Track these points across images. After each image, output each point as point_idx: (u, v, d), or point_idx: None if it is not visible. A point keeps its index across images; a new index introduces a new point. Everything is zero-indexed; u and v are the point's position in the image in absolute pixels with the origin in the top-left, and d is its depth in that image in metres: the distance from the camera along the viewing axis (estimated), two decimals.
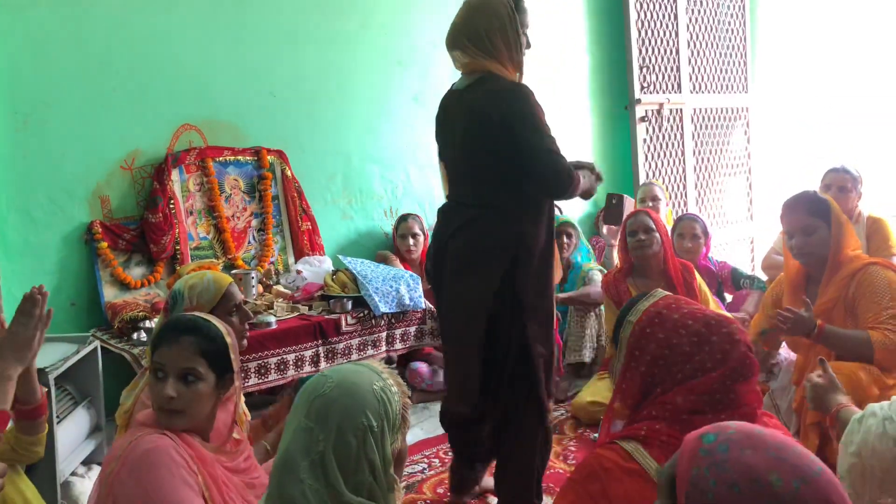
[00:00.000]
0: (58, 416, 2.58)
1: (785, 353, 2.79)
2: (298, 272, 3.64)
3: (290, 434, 1.26)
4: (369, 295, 3.40)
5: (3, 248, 3.14)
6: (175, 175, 3.54)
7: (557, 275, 2.49)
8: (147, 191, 3.49)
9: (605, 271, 3.77)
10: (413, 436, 3.25)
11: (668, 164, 5.20)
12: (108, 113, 3.37)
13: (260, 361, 3.07)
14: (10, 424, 1.71)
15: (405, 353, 3.67)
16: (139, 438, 1.58)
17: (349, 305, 3.39)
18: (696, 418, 1.30)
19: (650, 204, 4.15)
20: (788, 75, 5.77)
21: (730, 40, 5.52)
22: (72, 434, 2.70)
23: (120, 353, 3.01)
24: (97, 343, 2.91)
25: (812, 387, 1.88)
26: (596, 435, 3.11)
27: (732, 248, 5.46)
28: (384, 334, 3.49)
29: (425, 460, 3.04)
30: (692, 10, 5.29)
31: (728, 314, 3.05)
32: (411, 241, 3.97)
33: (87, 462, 2.84)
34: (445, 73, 2.85)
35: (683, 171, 5.28)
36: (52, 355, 2.59)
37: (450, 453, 3.08)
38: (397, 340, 3.55)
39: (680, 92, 5.20)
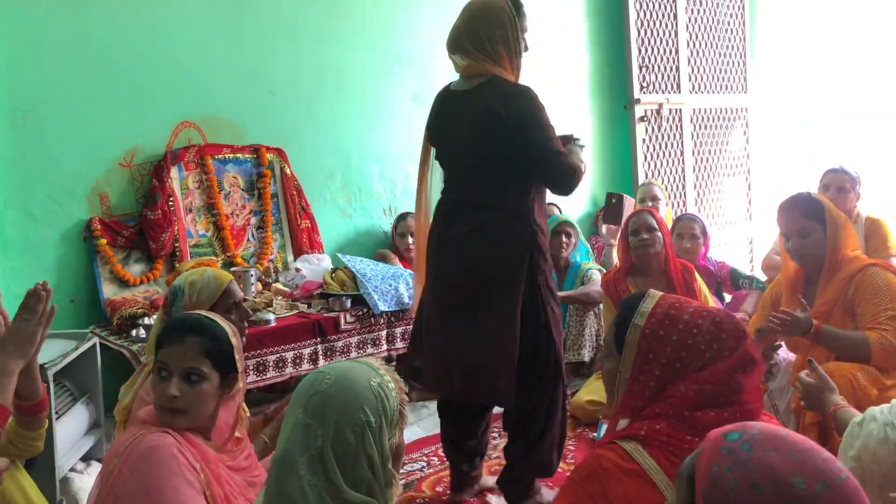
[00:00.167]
0: (57, 413, 2.58)
1: (784, 353, 2.79)
2: (297, 270, 3.64)
3: (289, 430, 1.26)
4: (368, 293, 3.40)
5: (2, 245, 3.14)
6: (174, 172, 3.54)
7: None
8: (146, 188, 3.48)
9: (605, 271, 3.77)
10: (412, 433, 3.25)
11: (668, 164, 5.21)
12: (108, 110, 3.37)
13: (259, 359, 3.07)
14: (10, 420, 1.71)
15: (405, 353, 3.67)
16: (142, 436, 1.58)
17: (348, 304, 3.39)
18: (698, 414, 1.30)
19: (650, 204, 4.15)
20: (788, 76, 5.77)
21: (729, 40, 5.52)
22: (71, 430, 2.70)
23: (119, 350, 3.01)
24: (96, 340, 2.91)
25: (804, 386, 1.88)
26: (594, 434, 3.12)
27: (731, 248, 5.46)
28: (384, 333, 3.49)
29: (424, 458, 3.05)
30: (691, 10, 5.29)
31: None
32: (410, 240, 3.97)
33: (85, 458, 2.84)
34: (445, 72, 2.85)
35: (682, 171, 5.28)
36: (51, 352, 2.59)
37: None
38: (397, 339, 3.54)
39: (679, 92, 5.20)
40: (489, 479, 2.75)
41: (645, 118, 5.02)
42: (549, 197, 2.68)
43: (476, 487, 2.70)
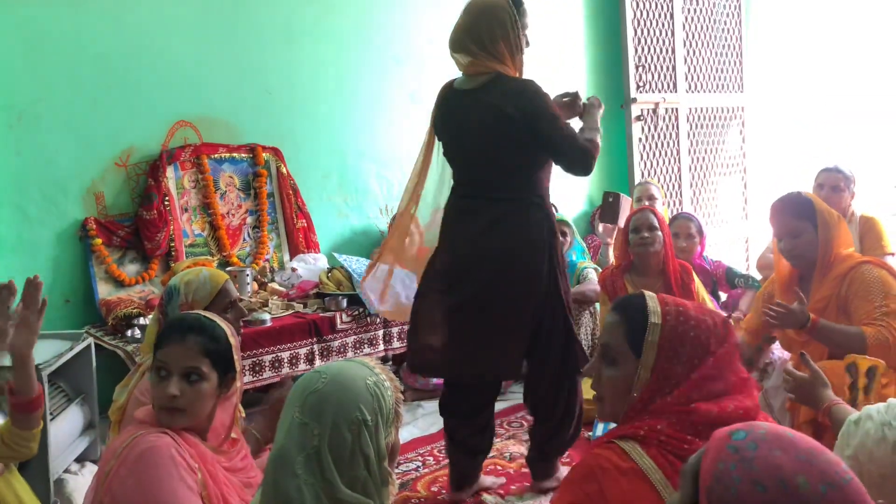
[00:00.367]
0: (51, 413, 2.58)
1: (779, 352, 2.79)
2: (293, 270, 3.64)
3: (285, 429, 1.26)
4: (364, 293, 3.39)
5: None
6: (170, 172, 3.53)
7: None
8: (142, 188, 3.47)
9: (601, 270, 3.77)
10: (408, 433, 3.25)
11: (664, 163, 5.21)
12: (103, 109, 3.36)
13: (254, 359, 3.07)
14: (3, 419, 1.70)
15: (401, 353, 3.67)
16: (140, 437, 1.57)
17: (344, 303, 3.39)
18: (702, 408, 1.30)
19: (647, 203, 4.14)
20: (784, 75, 5.78)
21: (725, 40, 5.53)
22: (65, 431, 2.69)
23: (113, 350, 3.00)
24: (91, 340, 2.91)
25: (795, 379, 1.87)
26: (590, 434, 3.12)
27: (727, 247, 5.47)
28: (380, 332, 3.49)
29: (419, 458, 3.04)
30: (688, 10, 5.29)
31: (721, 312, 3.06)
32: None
33: (80, 459, 2.83)
34: (442, 72, 2.85)
35: (679, 170, 5.29)
36: (45, 352, 2.58)
37: (444, 451, 3.09)
38: (394, 339, 3.54)
39: (676, 91, 5.21)
40: (487, 479, 2.76)
41: (641, 117, 5.02)
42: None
43: (475, 486, 2.70)
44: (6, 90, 3.13)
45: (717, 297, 3.81)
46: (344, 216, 4.18)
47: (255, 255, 3.77)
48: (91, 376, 2.86)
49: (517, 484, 2.80)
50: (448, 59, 2.57)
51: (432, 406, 3.56)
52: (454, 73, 2.62)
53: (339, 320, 3.33)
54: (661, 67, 5.14)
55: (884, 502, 1.33)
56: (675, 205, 5.21)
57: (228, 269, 3.49)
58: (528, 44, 2.54)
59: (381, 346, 3.50)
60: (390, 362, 3.65)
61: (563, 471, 2.71)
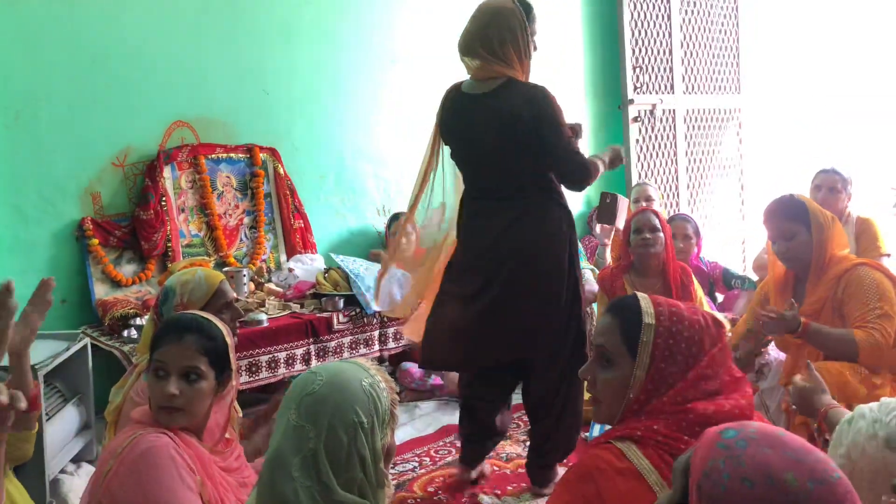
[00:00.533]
0: (47, 414, 2.57)
1: (774, 353, 2.80)
2: (290, 270, 3.64)
3: (281, 432, 1.26)
4: (361, 293, 3.39)
5: None
6: (167, 172, 3.53)
7: None
8: (139, 188, 3.47)
9: (598, 271, 3.77)
10: (404, 434, 3.25)
11: (661, 164, 5.22)
12: (100, 109, 3.36)
13: (251, 360, 3.07)
14: None
15: (397, 353, 3.67)
16: (139, 437, 1.57)
17: (341, 304, 3.39)
18: (699, 406, 1.31)
19: (644, 204, 4.15)
20: (781, 76, 5.79)
21: (722, 41, 5.54)
22: (61, 431, 2.68)
23: (110, 351, 3.00)
24: (87, 340, 2.90)
25: (796, 391, 1.88)
26: (587, 434, 3.12)
27: (724, 248, 5.47)
28: (376, 333, 3.49)
29: (416, 459, 3.04)
30: (685, 11, 5.30)
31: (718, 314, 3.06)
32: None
33: (76, 460, 2.82)
34: (439, 73, 2.86)
35: (676, 171, 5.30)
36: (41, 352, 2.58)
37: (440, 451, 3.09)
38: (390, 339, 3.54)
39: (673, 92, 5.21)
40: (487, 467, 2.83)
41: (638, 118, 5.02)
42: None
43: (479, 468, 2.77)
44: (3, 90, 3.12)
45: (713, 299, 3.82)
46: (341, 216, 4.18)
47: (252, 256, 3.77)
48: (87, 377, 2.85)
49: (514, 484, 2.80)
50: (445, 60, 2.57)
51: (429, 407, 3.56)
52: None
53: (335, 321, 3.32)
54: (659, 69, 5.14)
55: (894, 500, 1.34)
56: (672, 206, 5.21)
57: (225, 269, 3.48)
58: (535, 49, 2.56)
59: (377, 347, 3.50)
60: (386, 363, 3.65)
61: (561, 473, 2.71)
